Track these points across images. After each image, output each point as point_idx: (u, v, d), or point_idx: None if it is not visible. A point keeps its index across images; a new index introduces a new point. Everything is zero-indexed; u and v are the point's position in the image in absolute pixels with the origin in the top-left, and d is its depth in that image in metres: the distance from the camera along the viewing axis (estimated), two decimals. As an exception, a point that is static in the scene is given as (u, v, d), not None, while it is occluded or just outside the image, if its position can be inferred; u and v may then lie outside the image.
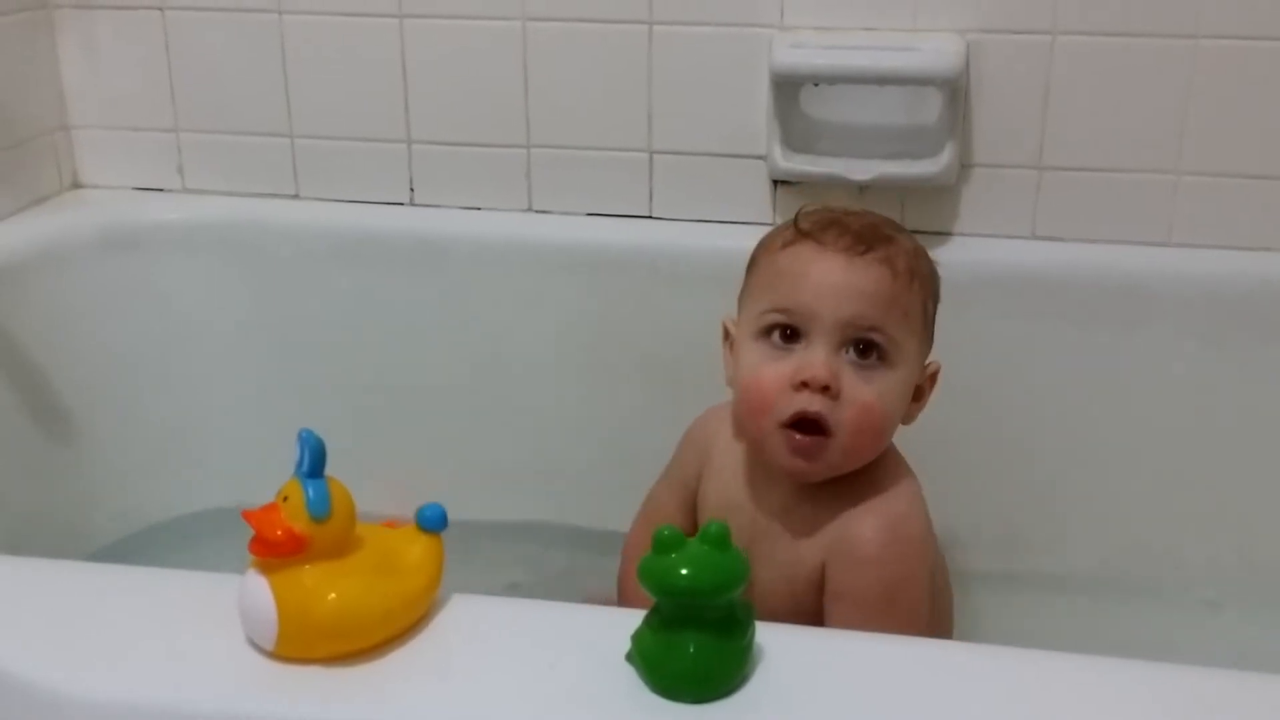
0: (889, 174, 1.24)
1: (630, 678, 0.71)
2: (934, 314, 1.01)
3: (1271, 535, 1.28)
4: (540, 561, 1.38)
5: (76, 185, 1.46)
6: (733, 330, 1.02)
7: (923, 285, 0.99)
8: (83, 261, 1.35)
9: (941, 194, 1.29)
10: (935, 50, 1.22)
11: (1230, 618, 1.27)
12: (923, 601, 0.97)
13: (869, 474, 0.99)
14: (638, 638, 0.71)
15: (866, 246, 0.96)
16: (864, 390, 0.94)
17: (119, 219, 1.39)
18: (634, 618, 0.72)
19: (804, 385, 0.93)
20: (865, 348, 0.95)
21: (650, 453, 1.35)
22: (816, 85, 1.27)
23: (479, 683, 0.72)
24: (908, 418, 1.01)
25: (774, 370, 0.95)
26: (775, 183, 1.31)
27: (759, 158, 1.31)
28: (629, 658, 0.71)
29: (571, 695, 0.70)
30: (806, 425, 0.94)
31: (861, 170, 1.24)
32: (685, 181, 1.34)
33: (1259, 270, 1.25)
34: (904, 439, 1.28)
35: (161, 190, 1.44)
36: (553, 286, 1.35)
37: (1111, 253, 1.28)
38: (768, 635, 0.73)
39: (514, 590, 1.30)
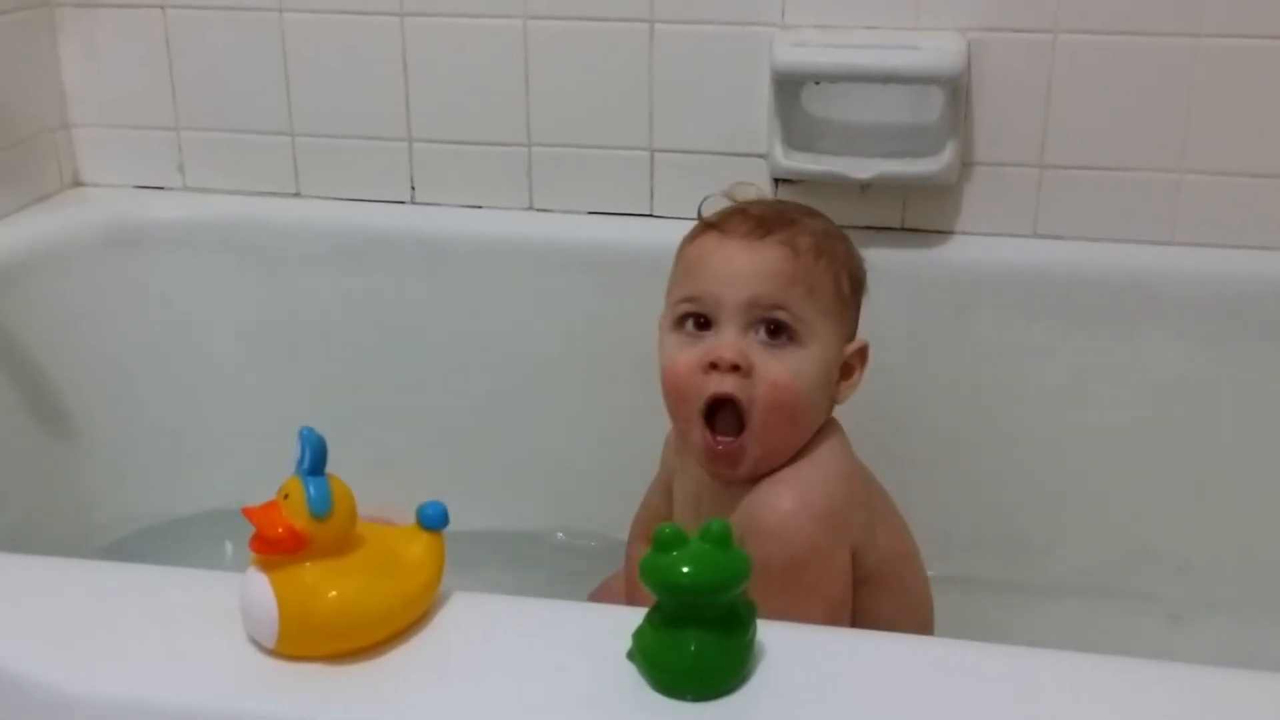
0: (890, 172, 1.24)
1: (631, 676, 0.70)
2: (852, 293, 1.02)
3: (1273, 535, 1.28)
4: (540, 559, 1.38)
5: (77, 184, 1.46)
6: None
7: (832, 264, 1.00)
8: (83, 260, 1.35)
9: (943, 193, 1.29)
10: (937, 49, 1.22)
11: (1231, 618, 1.27)
12: (832, 577, 0.96)
13: (799, 454, 0.99)
14: (639, 636, 0.71)
15: (766, 230, 0.99)
16: (775, 367, 0.95)
17: (120, 217, 1.39)
18: (635, 616, 0.71)
19: (713, 367, 0.95)
20: (774, 328, 0.96)
21: (651, 451, 1.35)
22: (818, 84, 1.27)
23: (480, 681, 0.71)
24: (839, 397, 1.02)
25: (686, 356, 0.97)
26: (776, 181, 1.31)
27: (760, 156, 1.30)
28: (630, 656, 0.71)
29: (572, 693, 0.70)
30: (723, 419, 0.96)
31: (863, 169, 1.24)
32: (686, 180, 1.33)
33: (1262, 269, 1.25)
34: (904, 439, 1.28)
35: (162, 189, 1.44)
36: (554, 285, 1.35)
37: (1114, 251, 1.28)
38: (769, 633, 0.72)
39: (515, 589, 1.30)
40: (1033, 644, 0.76)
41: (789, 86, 1.26)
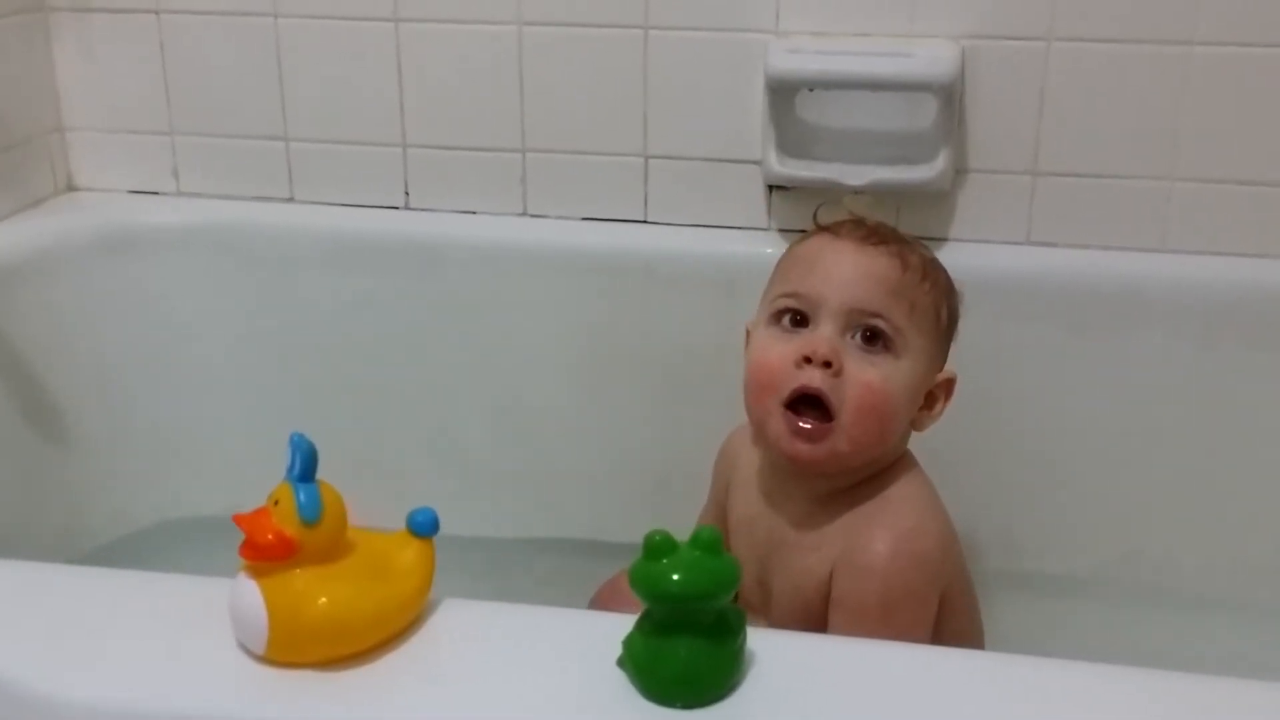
0: (884, 179, 1.24)
1: (621, 683, 0.70)
2: (949, 325, 1.02)
3: (1267, 539, 1.28)
4: (535, 567, 1.38)
5: (71, 188, 1.46)
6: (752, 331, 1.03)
7: (936, 288, 1.00)
8: (77, 264, 1.35)
9: (936, 199, 1.29)
10: (930, 56, 1.22)
11: (1225, 622, 1.27)
12: (923, 620, 0.96)
13: (881, 485, 0.99)
14: (629, 643, 0.71)
15: (880, 239, 0.99)
16: (868, 371, 0.95)
17: (114, 222, 1.39)
18: (625, 622, 0.71)
19: (807, 361, 0.94)
20: (871, 335, 0.96)
21: (647, 456, 1.36)
22: (812, 90, 1.27)
23: (470, 687, 0.71)
24: (919, 424, 1.01)
25: (779, 349, 0.97)
26: (770, 188, 1.31)
27: (754, 163, 1.31)
28: (620, 663, 0.71)
29: (562, 700, 0.70)
30: (809, 406, 0.95)
31: (856, 175, 1.24)
32: (680, 186, 1.34)
33: (1253, 276, 1.25)
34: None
35: (156, 193, 1.44)
36: (548, 291, 1.35)
37: (1106, 258, 1.28)
38: (759, 640, 0.72)
39: (507, 594, 1.30)
40: (1026, 647, 0.76)
41: (783, 93, 1.26)
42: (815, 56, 1.24)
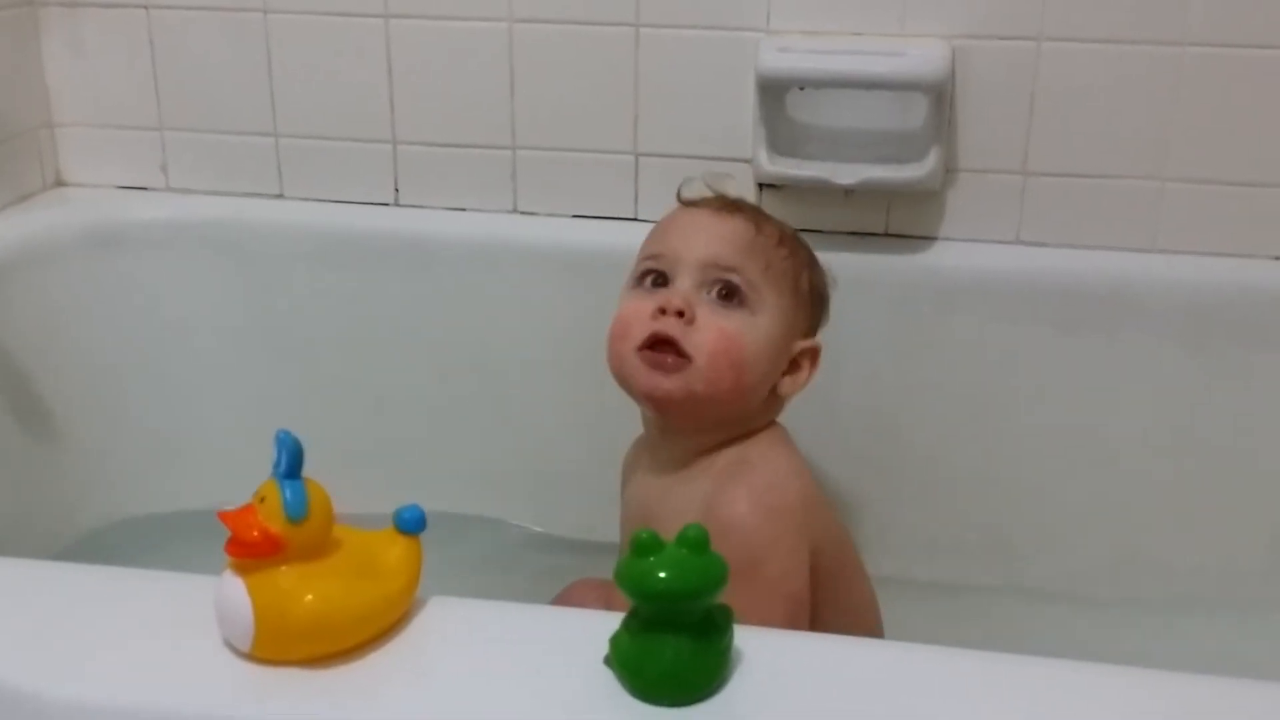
0: (874, 178, 1.24)
1: (608, 681, 0.70)
2: (811, 295, 1.04)
3: (1257, 541, 1.29)
4: (524, 564, 1.37)
5: (60, 183, 1.45)
6: None
7: (794, 257, 1.03)
8: (66, 260, 1.35)
9: (927, 199, 1.29)
10: (921, 55, 1.22)
11: (1215, 624, 1.27)
12: (793, 571, 0.97)
13: (741, 450, 1.01)
14: (615, 641, 0.71)
15: (736, 209, 1.04)
16: (721, 320, 0.98)
17: (103, 217, 1.39)
18: (612, 621, 0.71)
19: (661, 312, 0.98)
20: (726, 292, 0.99)
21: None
22: (802, 89, 1.27)
23: (456, 686, 0.71)
24: (781, 388, 1.03)
25: (636, 305, 1.01)
26: (761, 186, 1.31)
27: (745, 161, 1.31)
28: (607, 661, 0.71)
29: (549, 698, 0.70)
30: (662, 349, 0.98)
31: (847, 174, 1.24)
32: (671, 184, 1.32)
33: (1243, 276, 1.26)
34: (887, 443, 1.29)
35: (145, 189, 1.44)
36: (538, 288, 1.35)
37: (1096, 258, 1.28)
38: (746, 639, 0.72)
39: (496, 592, 1.30)
40: (1016, 649, 0.76)
41: (774, 91, 1.26)
42: (806, 55, 1.24)
